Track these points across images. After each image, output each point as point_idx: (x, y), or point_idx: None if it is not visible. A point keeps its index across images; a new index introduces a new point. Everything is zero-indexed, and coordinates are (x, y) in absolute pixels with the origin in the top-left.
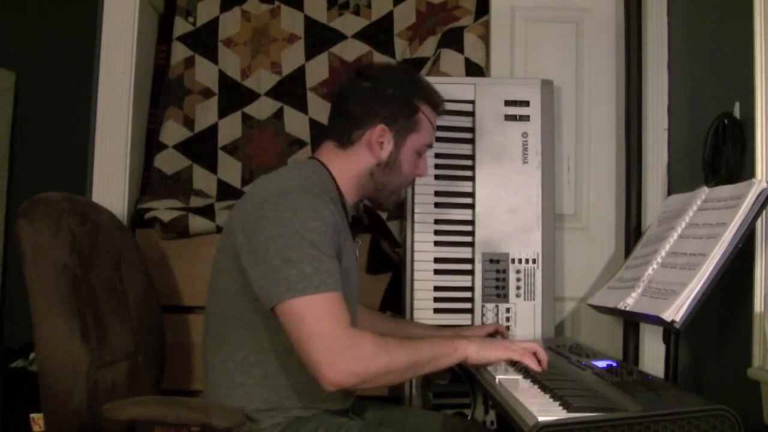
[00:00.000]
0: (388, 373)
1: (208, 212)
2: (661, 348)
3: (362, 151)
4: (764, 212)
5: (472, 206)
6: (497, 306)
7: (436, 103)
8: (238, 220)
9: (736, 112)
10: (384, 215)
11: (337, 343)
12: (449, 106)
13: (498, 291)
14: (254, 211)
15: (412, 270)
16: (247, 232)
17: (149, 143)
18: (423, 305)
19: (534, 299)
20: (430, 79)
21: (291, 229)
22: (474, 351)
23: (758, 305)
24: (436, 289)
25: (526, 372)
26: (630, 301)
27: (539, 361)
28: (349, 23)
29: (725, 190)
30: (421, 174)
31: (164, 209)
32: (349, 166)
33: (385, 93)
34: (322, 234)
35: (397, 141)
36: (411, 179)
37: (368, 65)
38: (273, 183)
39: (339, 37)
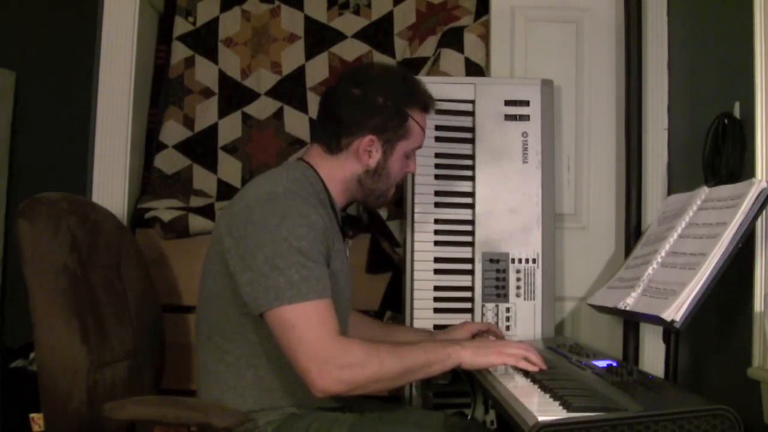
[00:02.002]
0: (379, 380)
1: (208, 212)
2: (661, 348)
3: (350, 159)
4: (764, 212)
5: (472, 206)
6: (497, 306)
7: (427, 106)
8: (225, 224)
9: (736, 112)
10: (384, 215)
11: (326, 351)
12: (449, 106)
13: (498, 291)
14: (242, 215)
15: (412, 270)
16: (234, 237)
17: (149, 143)
18: (423, 305)
19: (534, 299)
20: (430, 79)
21: (279, 236)
22: (467, 357)
23: (758, 305)
24: (436, 288)
25: (526, 372)
26: (630, 301)
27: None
28: (349, 23)
29: (725, 190)
30: (410, 172)
31: (164, 209)
32: (337, 172)
33: (375, 102)
34: (309, 240)
35: (385, 150)
36: (400, 181)
37: (361, 68)
38: (261, 187)
39: (339, 36)
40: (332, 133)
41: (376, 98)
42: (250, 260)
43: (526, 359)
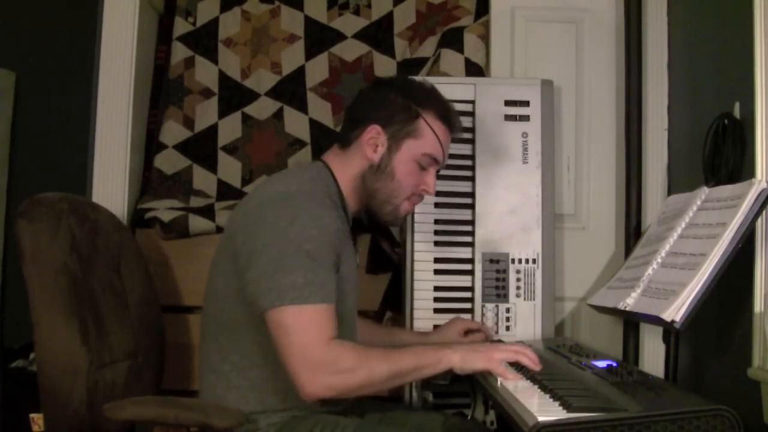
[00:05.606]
0: (368, 386)
1: (208, 212)
2: (661, 348)
3: (358, 153)
4: (764, 212)
5: (472, 206)
6: (497, 306)
7: (446, 116)
8: (238, 222)
9: (736, 113)
10: None
11: (317, 357)
12: None
13: (498, 291)
14: (254, 214)
15: (412, 270)
16: (245, 235)
17: (149, 143)
18: (423, 305)
19: (534, 299)
20: (430, 79)
21: (287, 237)
22: (458, 361)
23: (758, 305)
24: (436, 289)
25: (526, 372)
26: (630, 301)
27: (531, 362)
28: (349, 23)
29: (725, 190)
30: (425, 190)
31: (164, 209)
32: (347, 168)
33: (385, 95)
34: (319, 243)
35: (391, 145)
36: (410, 192)
37: (390, 77)
38: (275, 186)
39: (339, 37)
40: (345, 128)
41: (387, 92)
42: (256, 259)
43: (518, 362)
